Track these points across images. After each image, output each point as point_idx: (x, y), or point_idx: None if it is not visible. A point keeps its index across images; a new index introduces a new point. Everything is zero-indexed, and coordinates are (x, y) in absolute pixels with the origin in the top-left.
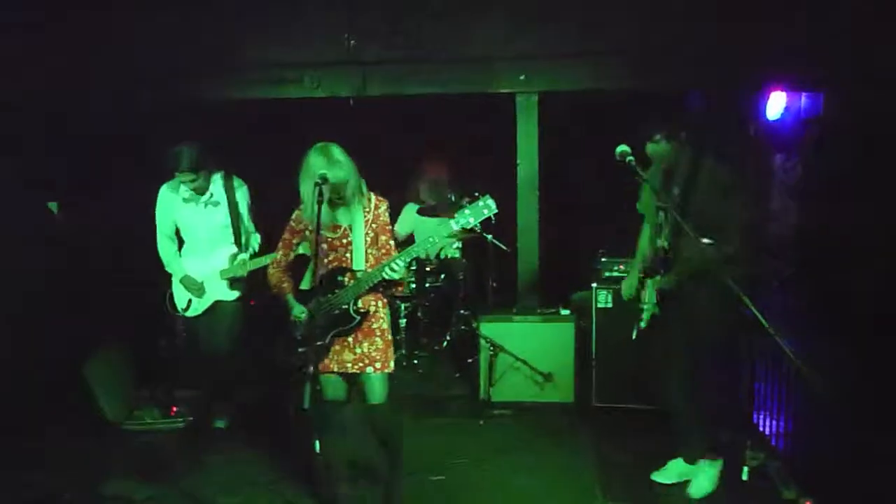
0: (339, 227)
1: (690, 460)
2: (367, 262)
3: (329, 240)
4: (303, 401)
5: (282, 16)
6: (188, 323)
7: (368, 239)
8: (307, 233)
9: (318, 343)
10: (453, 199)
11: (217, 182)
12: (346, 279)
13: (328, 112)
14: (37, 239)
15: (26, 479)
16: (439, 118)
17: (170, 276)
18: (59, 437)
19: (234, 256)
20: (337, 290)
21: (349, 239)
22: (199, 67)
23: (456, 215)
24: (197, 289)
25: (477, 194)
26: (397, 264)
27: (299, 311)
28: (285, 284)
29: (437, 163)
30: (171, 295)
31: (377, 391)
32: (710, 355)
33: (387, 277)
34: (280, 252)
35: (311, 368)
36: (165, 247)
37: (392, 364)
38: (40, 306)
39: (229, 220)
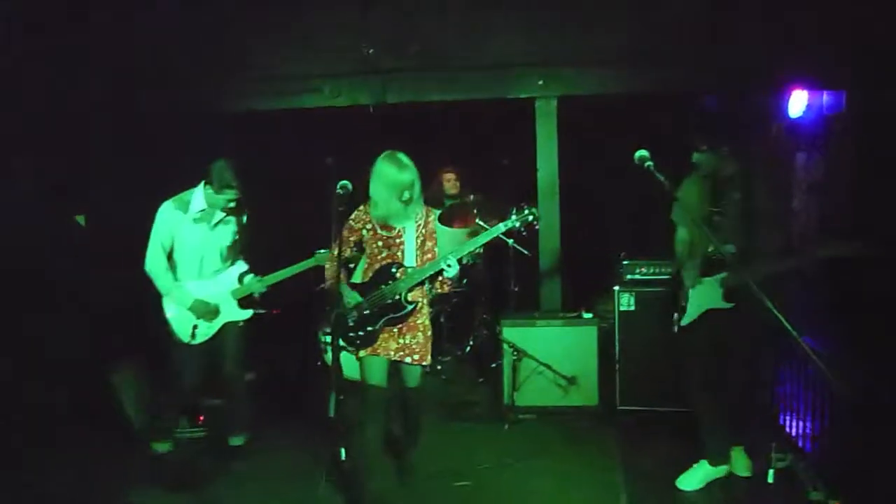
0: (394, 227)
1: (715, 463)
2: (416, 260)
3: (385, 238)
4: (328, 409)
5: (300, 27)
6: (195, 350)
7: (418, 242)
8: (364, 231)
9: (370, 328)
10: (472, 199)
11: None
12: (399, 273)
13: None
14: (64, 249)
15: (51, 488)
16: (459, 124)
17: (160, 302)
18: (85, 445)
19: (245, 274)
20: (390, 282)
21: (402, 239)
22: (218, 79)
23: (505, 220)
24: (211, 313)
25: (523, 204)
26: (452, 260)
27: (352, 298)
28: (340, 275)
29: (449, 170)
30: (169, 324)
31: (414, 377)
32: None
33: (444, 270)
34: (336, 248)
35: (335, 376)
36: (164, 273)
37: (430, 358)
38: (68, 315)
39: (237, 238)
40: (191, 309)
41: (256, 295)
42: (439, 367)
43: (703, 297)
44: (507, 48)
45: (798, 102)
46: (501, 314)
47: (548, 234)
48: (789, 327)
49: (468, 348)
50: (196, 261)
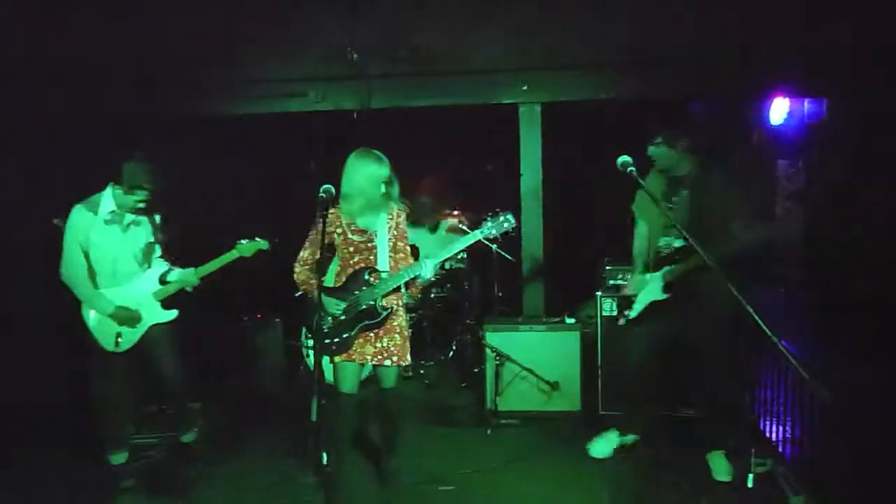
0: (365, 231)
1: (623, 433)
2: (388, 264)
3: (356, 242)
4: (310, 414)
5: (285, 31)
6: (123, 358)
7: (390, 245)
8: (336, 235)
9: (346, 335)
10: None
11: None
12: (372, 278)
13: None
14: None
15: (35, 496)
16: (444, 129)
17: (77, 312)
18: (66, 454)
19: (166, 274)
20: (364, 288)
21: (374, 243)
22: (203, 82)
23: (481, 227)
24: (134, 318)
25: (499, 210)
26: (427, 265)
27: (335, 306)
28: (313, 281)
29: (430, 179)
30: (92, 333)
31: (391, 378)
32: (718, 345)
33: (417, 277)
34: (308, 251)
35: (316, 383)
36: (84, 279)
37: (408, 357)
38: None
39: (152, 239)
40: (112, 316)
41: (189, 289)
42: (422, 372)
43: (648, 291)
44: (492, 54)
45: (779, 110)
46: (485, 319)
47: (531, 239)
48: (767, 331)
49: (451, 353)
50: (111, 265)
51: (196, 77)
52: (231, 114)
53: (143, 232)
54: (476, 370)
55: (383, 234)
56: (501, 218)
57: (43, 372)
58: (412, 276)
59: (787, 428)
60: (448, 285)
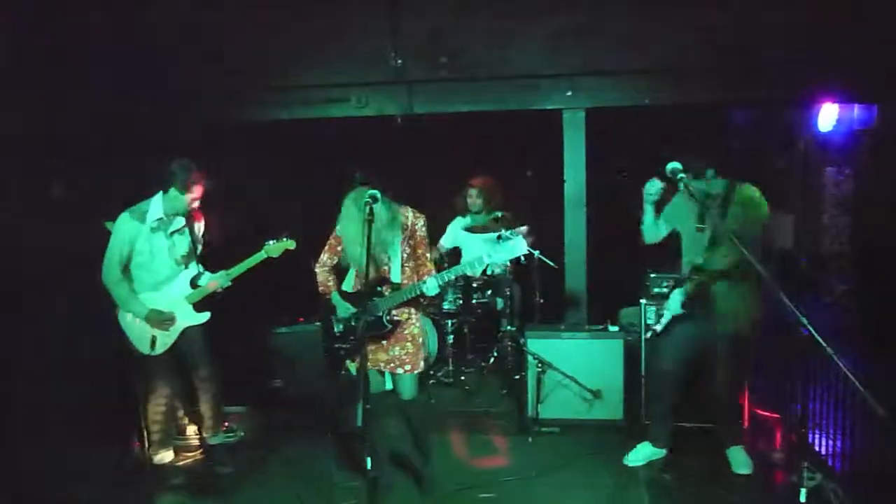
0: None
1: (657, 445)
2: (403, 274)
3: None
4: (356, 419)
5: (328, 37)
6: (159, 361)
7: (405, 254)
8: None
9: (354, 342)
10: (500, 216)
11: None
12: (385, 290)
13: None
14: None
15: (79, 493)
16: (489, 134)
17: (115, 316)
18: (112, 453)
19: (197, 277)
20: (375, 299)
21: (388, 253)
22: (247, 88)
23: (491, 253)
24: (168, 321)
25: (510, 232)
26: (431, 284)
27: (345, 310)
28: (330, 283)
29: (483, 176)
30: (128, 336)
31: (407, 389)
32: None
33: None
34: (326, 254)
35: (363, 385)
36: (120, 285)
37: (421, 365)
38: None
39: (192, 246)
40: (147, 319)
41: (220, 289)
42: (463, 378)
43: (673, 304)
44: (535, 59)
45: (828, 116)
46: (526, 326)
47: (574, 245)
48: (822, 343)
49: (492, 359)
50: (151, 270)
51: (238, 83)
52: (273, 119)
53: (185, 240)
54: (517, 377)
55: (396, 246)
56: (511, 242)
57: (88, 371)
58: (416, 293)
59: (838, 442)
60: (489, 291)
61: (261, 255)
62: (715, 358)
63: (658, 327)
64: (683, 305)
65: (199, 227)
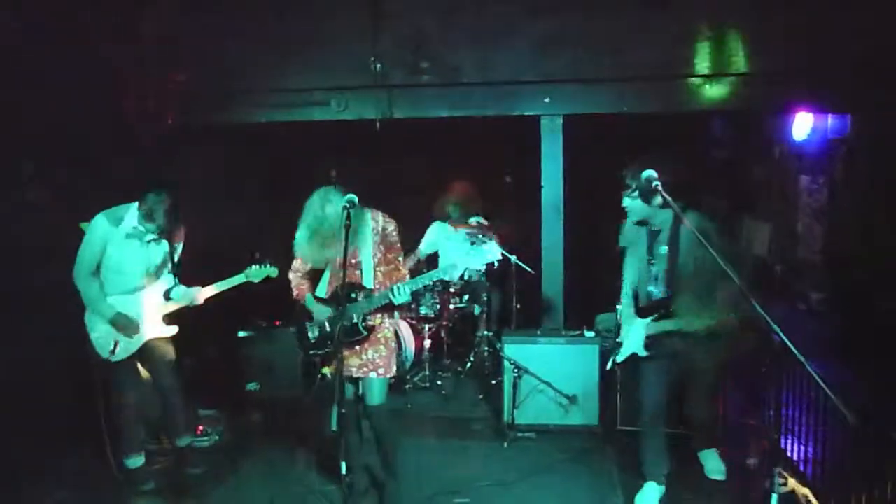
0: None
1: (660, 482)
2: (375, 279)
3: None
4: (330, 424)
5: (308, 41)
6: (116, 369)
7: (377, 259)
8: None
9: (329, 348)
10: (478, 221)
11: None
12: (358, 295)
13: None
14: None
15: (56, 496)
16: (466, 140)
17: (82, 318)
18: (88, 458)
19: (171, 290)
20: (348, 305)
21: (358, 259)
22: (225, 91)
23: (464, 258)
24: (132, 328)
25: (483, 237)
26: (402, 291)
27: (321, 313)
28: (304, 287)
29: (461, 182)
30: (90, 341)
31: (376, 394)
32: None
33: (393, 299)
34: (299, 260)
35: (338, 394)
36: (90, 284)
37: (394, 369)
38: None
39: (168, 257)
40: (112, 322)
41: (191, 305)
42: (439, 383)
43: (632, 342)
44: (514, 65)
45: (803, 126)
46: (503, 331)
47: (551, 251)
48: (795, 351)
49: (469, 365)
50: (122, 276)
51: (218, 86)
52: (254, 122)
53: (161, 250)
54: (494, 382)
55: (367, 251)
56: (485, 248)
57: (61, 376)
58: (387, 300)
59: (810, 448)
60: (466, 297)
61: (240, 279)
62: (690, 378)
63: (618, 358)
64: (647, 347)
65: (179, 238)
